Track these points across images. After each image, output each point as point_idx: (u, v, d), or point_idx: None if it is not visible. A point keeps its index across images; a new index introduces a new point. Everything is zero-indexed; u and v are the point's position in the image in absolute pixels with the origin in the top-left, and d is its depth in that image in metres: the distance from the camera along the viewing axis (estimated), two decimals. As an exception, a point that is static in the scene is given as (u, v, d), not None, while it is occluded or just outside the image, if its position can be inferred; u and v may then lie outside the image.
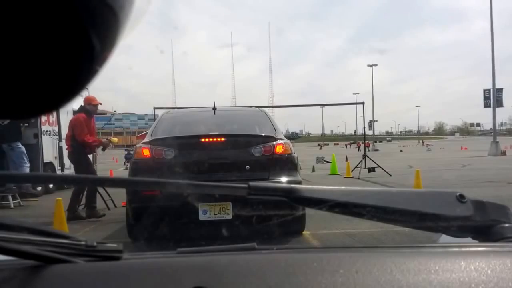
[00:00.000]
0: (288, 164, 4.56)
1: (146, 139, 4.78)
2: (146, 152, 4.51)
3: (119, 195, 7.85)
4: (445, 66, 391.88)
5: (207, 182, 0.82)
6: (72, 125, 6.80)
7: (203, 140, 4.62)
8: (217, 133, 4.77)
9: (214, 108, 5.37)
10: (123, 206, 7.63)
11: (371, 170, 13.18)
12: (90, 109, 6.84)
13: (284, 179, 4.38)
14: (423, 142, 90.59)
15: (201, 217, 4.21)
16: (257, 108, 6.31)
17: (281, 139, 4.73)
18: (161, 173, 4.27)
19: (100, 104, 7.21)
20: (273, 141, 4.60)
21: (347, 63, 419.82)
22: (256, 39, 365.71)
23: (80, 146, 6.77)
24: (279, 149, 4.55)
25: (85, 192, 6.76)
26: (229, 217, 4.19)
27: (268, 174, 4.41)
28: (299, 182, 4.45)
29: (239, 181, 3.86)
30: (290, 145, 4.75)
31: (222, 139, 4.64)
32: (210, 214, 4.23)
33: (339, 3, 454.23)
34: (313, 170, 16.62)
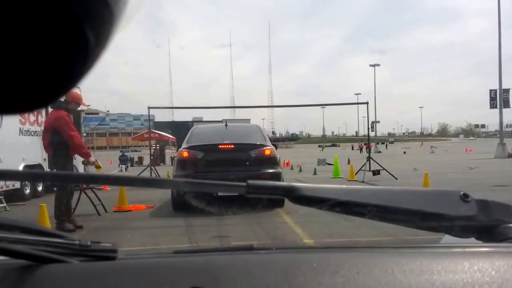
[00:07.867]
0: (272, 161, 7.54)
1: (184, 146, 7.73)
2: (186, 154, 7.46)
3: (110, 200, 7.79)
4: (448, 66, 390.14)
5: (206, 181, 0.82)
6: (56, 120, 5.94)
7: (219, 146, 7.58)
8: (228, 142, 7.68)
9: (226, 124, 8.77)
10: (114, 212, 7.63)
11: (376, 173, 12.86)
12: (72, 107, 6.17)
13: (269, 170, 7.25)
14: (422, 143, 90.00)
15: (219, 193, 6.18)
16: (253, 124, 10.64)
17: (268, 145, 7.71)
18: (195, 167, 7.27)
19: (89, 106, 6.96)
20: (262, 147, 7.56)
21: (346, 64, 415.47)
22: (250, 39, 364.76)
23: (65, 147, 5.90)
24: (266, 152, 7.53)
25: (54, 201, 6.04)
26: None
27: (259, 167, 7.27)
28: (279, 173, 7.41)
29: (242, 171, 6.78)
30: (274, 149, 7.76)
31: (231, 146, 7.57)
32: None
33: (336, 2, 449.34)
34: (315, 173, 16.52)
